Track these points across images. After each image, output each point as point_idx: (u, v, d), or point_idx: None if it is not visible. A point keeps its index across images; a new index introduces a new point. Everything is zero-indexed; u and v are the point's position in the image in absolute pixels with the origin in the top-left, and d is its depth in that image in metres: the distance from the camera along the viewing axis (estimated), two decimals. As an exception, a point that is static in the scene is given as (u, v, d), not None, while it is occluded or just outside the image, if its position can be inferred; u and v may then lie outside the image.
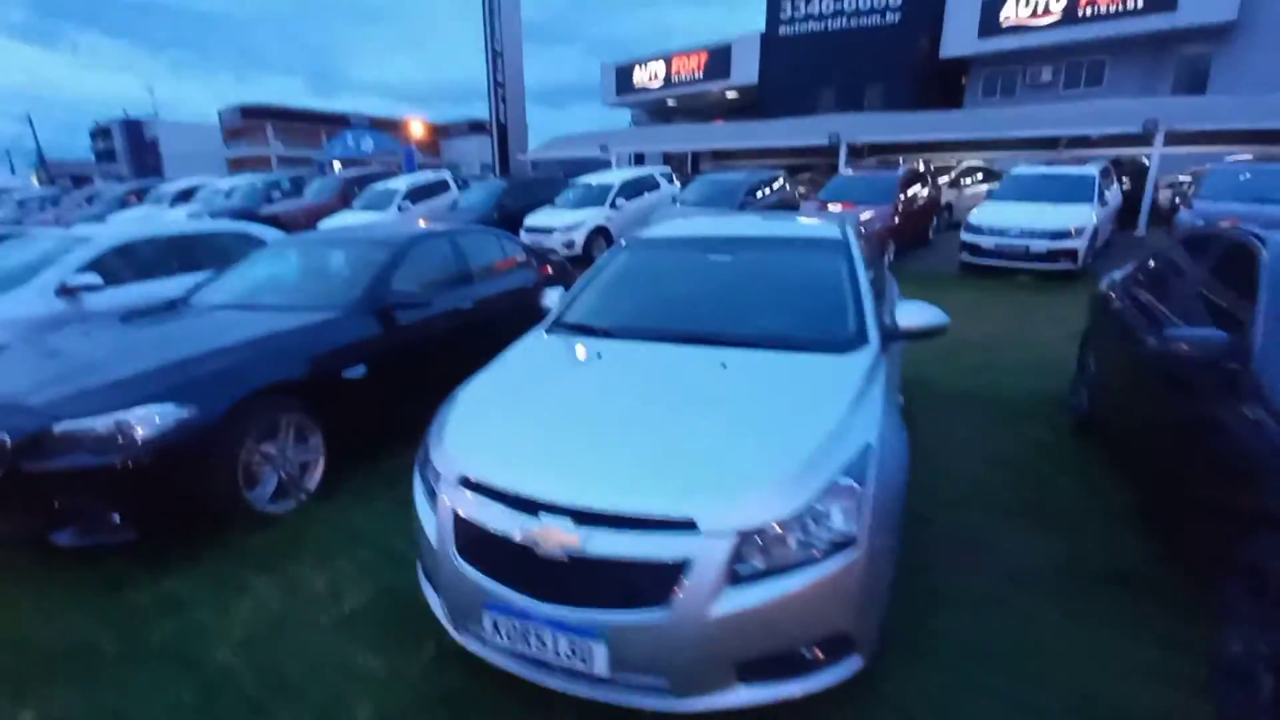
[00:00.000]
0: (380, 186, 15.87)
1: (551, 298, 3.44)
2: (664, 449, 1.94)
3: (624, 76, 30.22)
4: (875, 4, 23.45)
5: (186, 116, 59.82)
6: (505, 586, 1.82)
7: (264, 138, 54.82)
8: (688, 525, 1.69)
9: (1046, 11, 21.27)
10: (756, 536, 1.70)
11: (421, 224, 5.79)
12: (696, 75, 27.49)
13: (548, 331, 3.04)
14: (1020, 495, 3.35)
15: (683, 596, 1.65)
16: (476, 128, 64.27)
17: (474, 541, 1.92)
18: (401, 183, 15.71)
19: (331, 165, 37.80)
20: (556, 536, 1.75)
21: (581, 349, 2.71)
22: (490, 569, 1.88)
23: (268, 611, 2.58)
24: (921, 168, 13.36)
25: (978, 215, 10.23)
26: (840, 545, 1.75)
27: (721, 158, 23.90)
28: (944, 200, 14.47)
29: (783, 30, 24.98)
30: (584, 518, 1.76)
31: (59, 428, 2.69)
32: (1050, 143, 18.40)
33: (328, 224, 14.19)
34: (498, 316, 5.05)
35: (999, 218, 9.99)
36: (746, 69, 26.11)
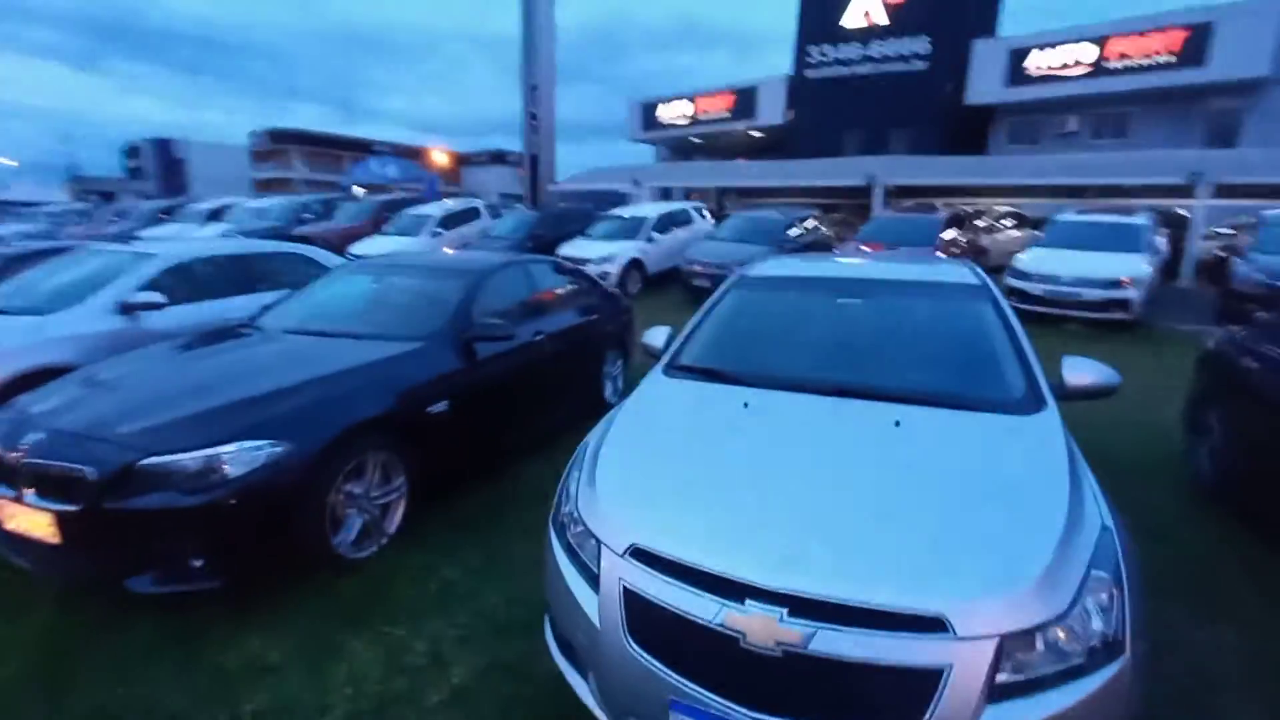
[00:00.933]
0: (413, 212, 15.90)
1: (657, 336, 3.22)
2: (882, 525, 1.68)
3: (650, 113, 30.66)
4: (902, 52, 23.77)
5: (215, 140, 61.04)
6: (699, 686, 1.55)
7: (290, 161, 55.87)
8: (936, 625, 1.43)
9: (1076, 63, 21.48)
10: (1021, 641, 1.43)
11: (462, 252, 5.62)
12: (723, 114, 27.84)
13: (666, 374, 2.81)
14: (1181, 574, 3.04)
15: (936, 714, 1.38)
16: (497, 158, 65.48)
17: (652, 625, 1.66)
18: (434, 209, 15.75)
19: (351, 190, 38.38)
20: (771, 629, 1.49)
21: (724, 398, 2.47)
22: (675, 661, 1.61)
23: (368, 682, 2.30)
24: (962, 211, 13.23)
25: (1026, 261, 10.05)
26: (1105, 651, 1.48)
27: (746, 195, 24.00)
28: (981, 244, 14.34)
29: (809, 74, 25.30)
30: (802, 607, 1.50)
31: (147, 463, 2.46)
32: (1078, 191, 18.38)
33: (361, 248, 14.17)
34: (571, 350, 4.86)
35: (1049, 265, 9.79)
36: (771, 110, 26.42)
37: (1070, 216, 11.22)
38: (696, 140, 30.94)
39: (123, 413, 2.70)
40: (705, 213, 15.74)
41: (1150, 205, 13.77)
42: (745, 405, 2.36)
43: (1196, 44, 19.37)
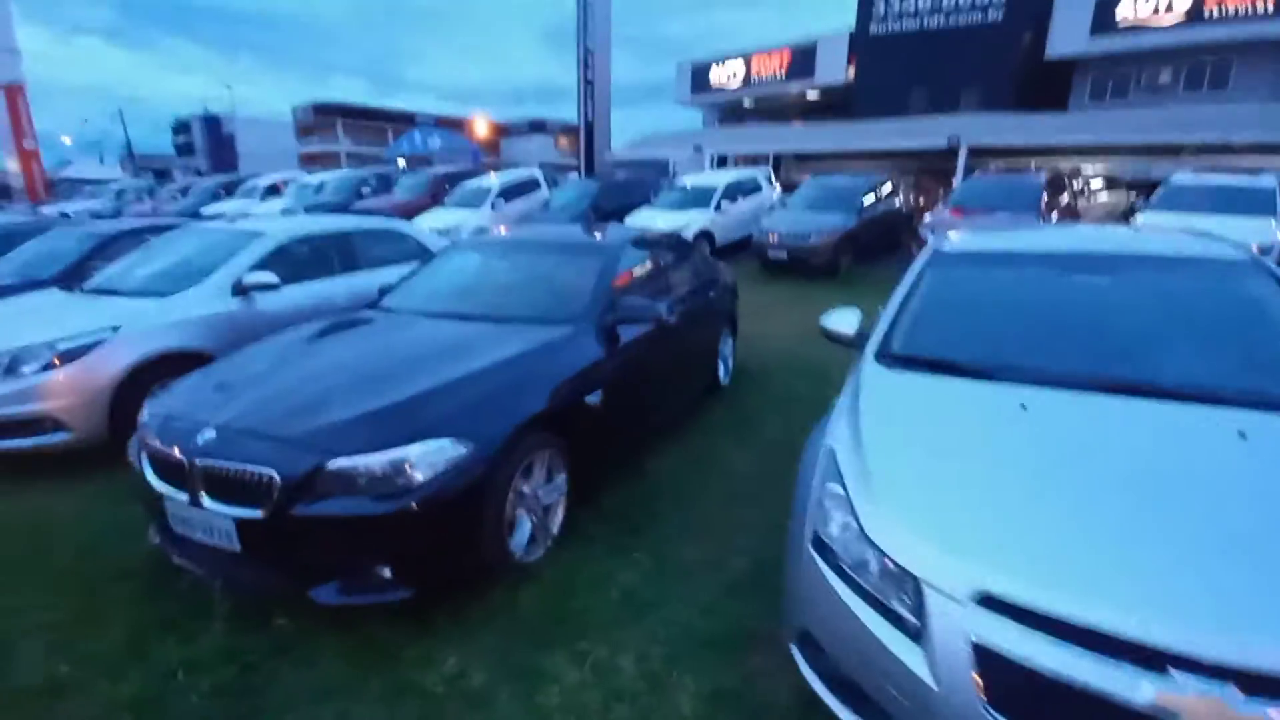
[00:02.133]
0: (473, 184, 15.66)
1: (844, 320, 2.88)
2: None
3: (700, 76, 29.64)
4: (977, 2, 22.25)
5: (257, 115, 61.78)
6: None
7: (334, 135, 56.31)
8: None
9: (1169, 10, 19.79)
10: None
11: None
12: (779, 75, 26.71)
13: (883, 365, 2.45)
14: None
15: None
16: (536, 127, 64.78)
17: (1025, 695, 1.35)
18: (494, 180, 15.46)
19: (397, 162, 38.35)
20: (1221, 712, 1.16)
21: (987, 397, 2.11)
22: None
23: (589, 714, 2.07)
24: (1059, 173, 12.31)
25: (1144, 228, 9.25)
26: None
27: (804, 160, 23.06)
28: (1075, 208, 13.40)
29: (874, 29, 23.98)
30: (1257, 684, 1.17)
31: (335, 465, 2.24)
32: (1172, 150, 17.03)
33: (424, 222, 14.03)
34: (694, 329, 4.54)
35: (1169, 231, 9.00)
36: (832, 69, 25.21)
37: (1186, 179, 10.29)
38: (748, 104, 29.85)
39: (292, 409, 2.49)
40: (773, 180, 15.11)
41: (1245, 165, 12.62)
42: (1022, 407, 2.00)
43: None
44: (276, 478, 2.22)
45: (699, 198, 13.06)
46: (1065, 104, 22.98)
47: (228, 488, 2.30)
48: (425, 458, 2.30)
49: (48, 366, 3.65)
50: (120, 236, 6.21)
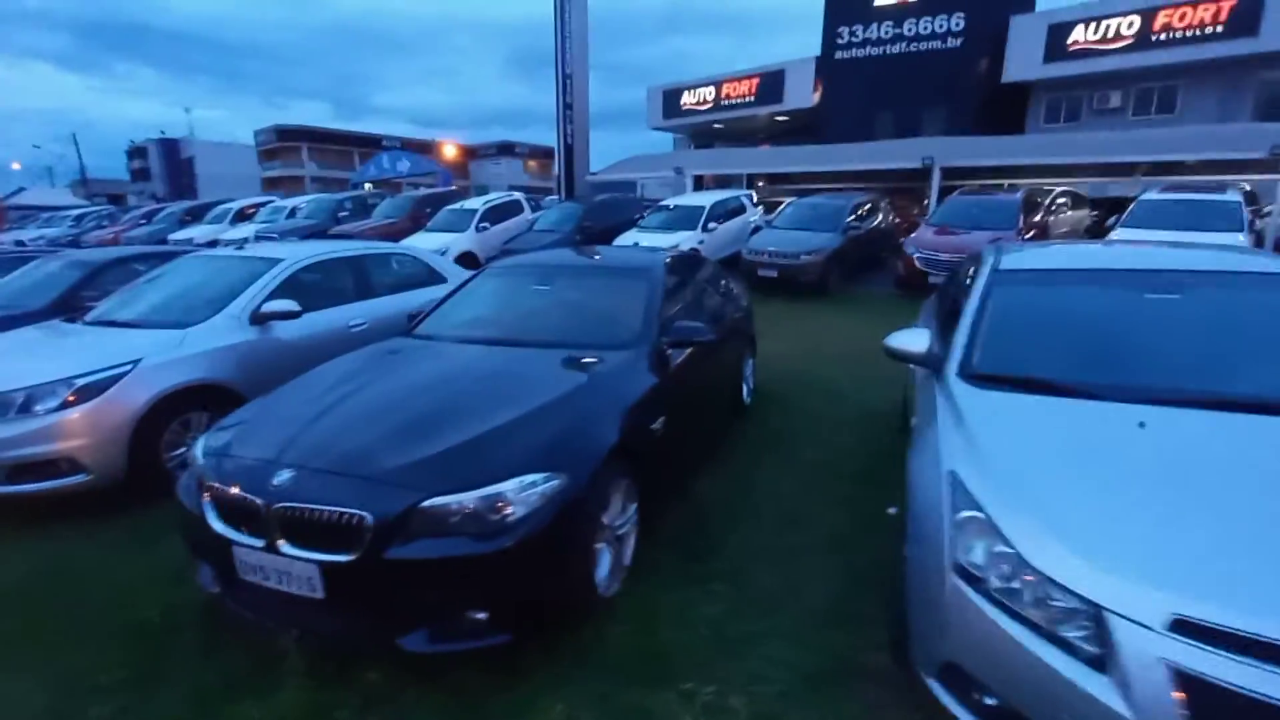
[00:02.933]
0: (455, 207, 15.52)
1: (913, 340, 2.88)
2: None
3: (672, 100, 30.10)
4: (936, 29, 23.20)
5: (217, 139, 60.45)
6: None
7: (298, 159, 55.40)
8: None
9: (1118, 36, 20.90)
10: None
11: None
12: (748, 99, 27.28)
13: (971, 384, 2.46)
14: None
15: None
16: (505, 150, 64.86)
17: (1223, 716, 1.33)
18: (478, 203, 15.35)
19: (363, 186, 37.81)
20: None
21: (1099, 416, 2.13)
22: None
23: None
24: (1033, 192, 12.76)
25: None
26: None
27: (775, 181, 23.50)
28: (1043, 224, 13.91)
29: (839, 55, 24.74)
30: None
31: (429, 504, 2.13)
32: (1126, 169, 17.88)
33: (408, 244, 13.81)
34: (725, 350, 4.53)
35: (1144, 246, 9.39)
36: (799, 93, 25.85)
37: (1155, 195, 10.79)
38: (718, 126, 30.36)
39: (371, 446, 2.36)
40: (754, 200, 15.35)
41: (1208, 181, 13.32)
42: (1141, 425, 2.01)
43: (1247, 12, 18.80)
44: (369, 519, 2.09)
45: (686, 218, 13.17)
46: (1023, 126, 23.97)
47: (311, 532, 2.16)
48: (521, 494, 2.20)
49: (65, 404, 3.42)
50: (110, 265, 5.95)
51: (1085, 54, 21.43)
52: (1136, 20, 20.47)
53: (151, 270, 6.16)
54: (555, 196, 19.00)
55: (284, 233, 16.43)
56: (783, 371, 6.43)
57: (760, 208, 15.31)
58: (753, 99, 27.20)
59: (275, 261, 4.65)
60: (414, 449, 2.33)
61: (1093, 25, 21.08)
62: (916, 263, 10.49)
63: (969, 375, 2.52)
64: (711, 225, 13.13)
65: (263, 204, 20.15)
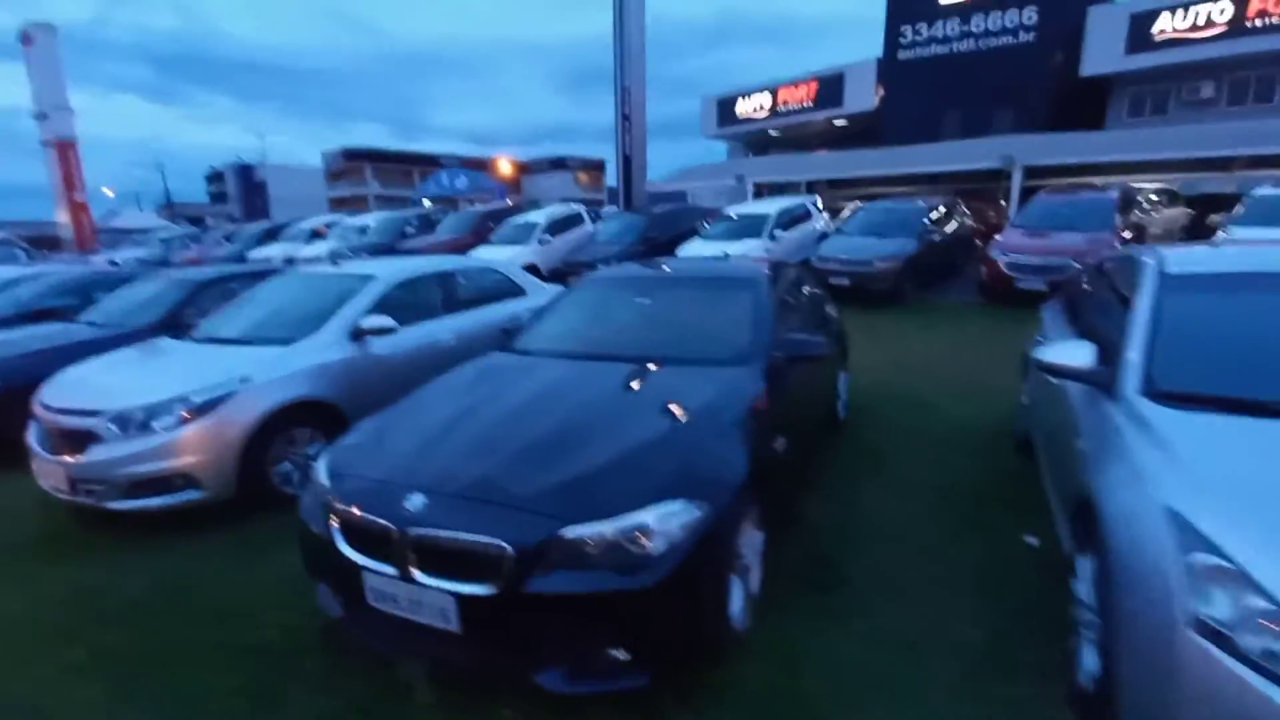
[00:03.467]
0: (518, 220, 15.72)
1: (1075, 353, 2.60)
2: None
3: (726, 108, 29.94)
4: (1007, 24, 22.29)
5: (285, 162, 63.57)
6: None
7: (362, 178, 57.78)
8: None
9: (1209, 23, 19.59)
10: None
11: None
12: (805, 104, 26.85)
13: (1165, 405, 2.15)
14: None
15: None
16: (557, 165, 65.99)
17: None
18: (540, 216, 15.51)
19: (423, 203, 39.01)
20: None
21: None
22: None
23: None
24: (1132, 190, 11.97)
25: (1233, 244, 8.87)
26: None
27: (836, 186, 22.96)
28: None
29: (902, 55, 24.07)
30: None
31: (568, 533, 2.00)
32: (1221, 164, 16.64)
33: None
34: (823, 364, 4.28)
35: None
36: (861, 96, 25.27)
37: (1271, 191, 9.92)
38: (773, 133, 30.00)
39: (500, 470, 2.25)
40: (820, 207, 14.97)
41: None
42: None
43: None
44: (509, 549, 1.97)
45: (751, 227, 12.92)
46: (1102, 122, 22.73)
47: (446, 560, 2.05)
48: (663, 523, 2.04)
49: (181, 421, 3.48)
50: (209, 284, 6.15)
51: (1173, 44, 20.17)
52: (1229, 7, 19.16)
53: (247, 288, 6.38)
54: (614, 208, 19.04)
55: (354, 250, 16.99)
56: (868, 384, 6.10)
57: (825, 214, 14.91)
58: (811, 104, 26.76)
59: (370, 278, 4.69)
60: (545, 473, 2.20)
61: (1180, 13, 19.84)
62: (1003, 267, 9.92)
63: (1156, 394, 2.22)
64: (778, 233, 12.85)
65: (332, 223, 20.96)
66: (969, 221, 13.46)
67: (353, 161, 58.43)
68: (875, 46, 24.42)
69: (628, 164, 18.55)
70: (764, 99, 28.32)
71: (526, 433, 2.48)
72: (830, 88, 26.05)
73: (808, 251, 13.94)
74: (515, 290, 5.97)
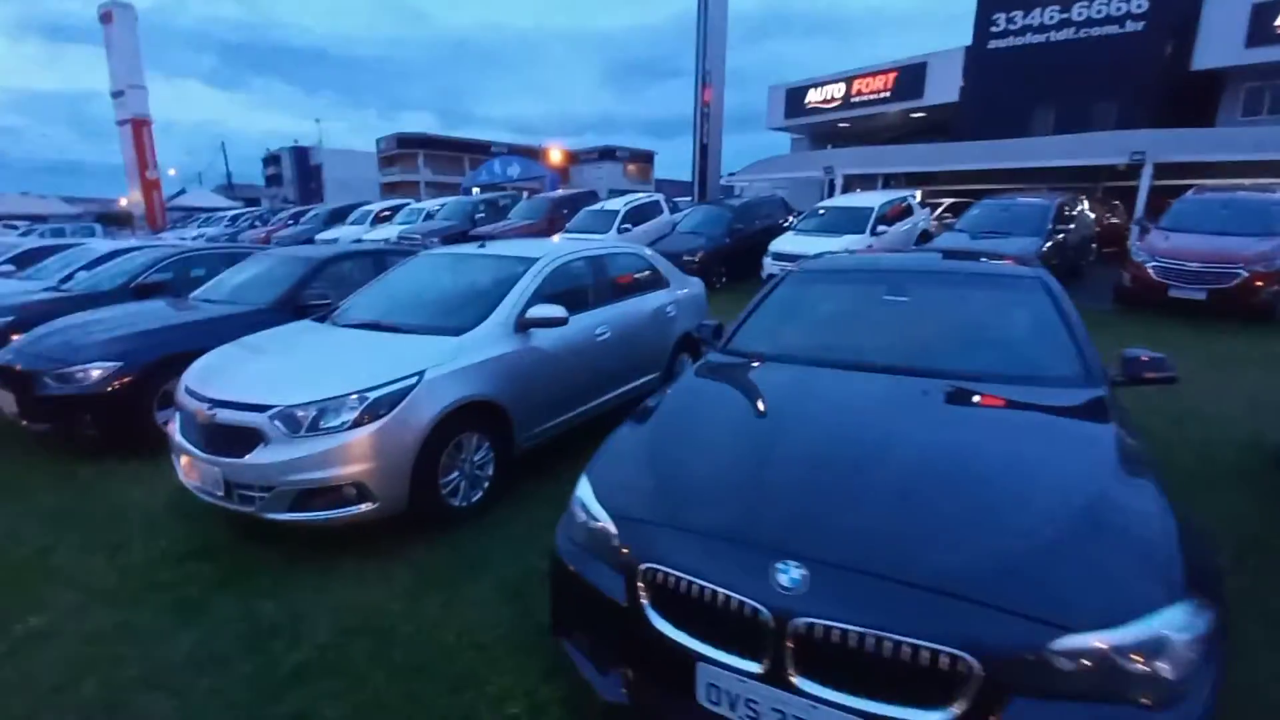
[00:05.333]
0: (595, 208, 15.18)
1: None
2: None
3: (795, 99, 28.84)
4: (1113, 12, 20.75)
5: (338, 147, 64.50)
6: None
7: (414, 165, 58.17)
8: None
9: (1346, 13, 17.84)
10: None
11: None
12: (882, 94, 25.62)
13: None
14: None
15: None
16: (606, 154, 65.50)
17: None
18: (619, 204, 14.92)
19: (472, 190, 38.78)
20: None
21: None
22: None
23: None
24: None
25: None
26: None
27: (916, 182, 21.77)
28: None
29: (992, 44, 22.70)
30: None
31: (1062, 645, 1.34)
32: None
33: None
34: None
35: None
36: (944, 87, 23.95)
37: None
38: (843, 125, 28.78)
39: (898, 536, 1.61)
40: (919, 201, 14.03)
41: None
42: None
43: None
44: (975, 664, 1.33)
45: (851, 221, 12.10)
46: (1213, 119, 21.05)
47: (849, 668, 1.43)
48: (1181, 634, 1.38)
49: (358, 422, 2.94)
50: (328, 262, 5.69)
51: (1301, 35, 18.43)
52: (1373, -8, 17.40)
53: (366, 268, 5.90)
54: (690, 198, 18.37)
55: (425, 234, 16.67)
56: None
57: (926, 209, 13.97)
58: (888, 94, 25.50)
59: (531, 261, 4.11)
60: (976, 547, 1.55)
61: (1314, 1, 18.09)
62: (1152, 273, 8.92)
63: None
64: (881, 229, 12.01)
65: (399, 206, 20.74)
66: (1091, 221, 12.38)
67: (406, 148, 58.81)
68: (929, 40, 23.12)
69: (704, 153, 17.85)
70: (837, 89, 27.13)
71: (891, 476, 1.83)
72: (911, 78, 24.75)
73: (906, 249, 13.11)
74: (659, 280, 5.36)
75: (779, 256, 11.68)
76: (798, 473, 1.89)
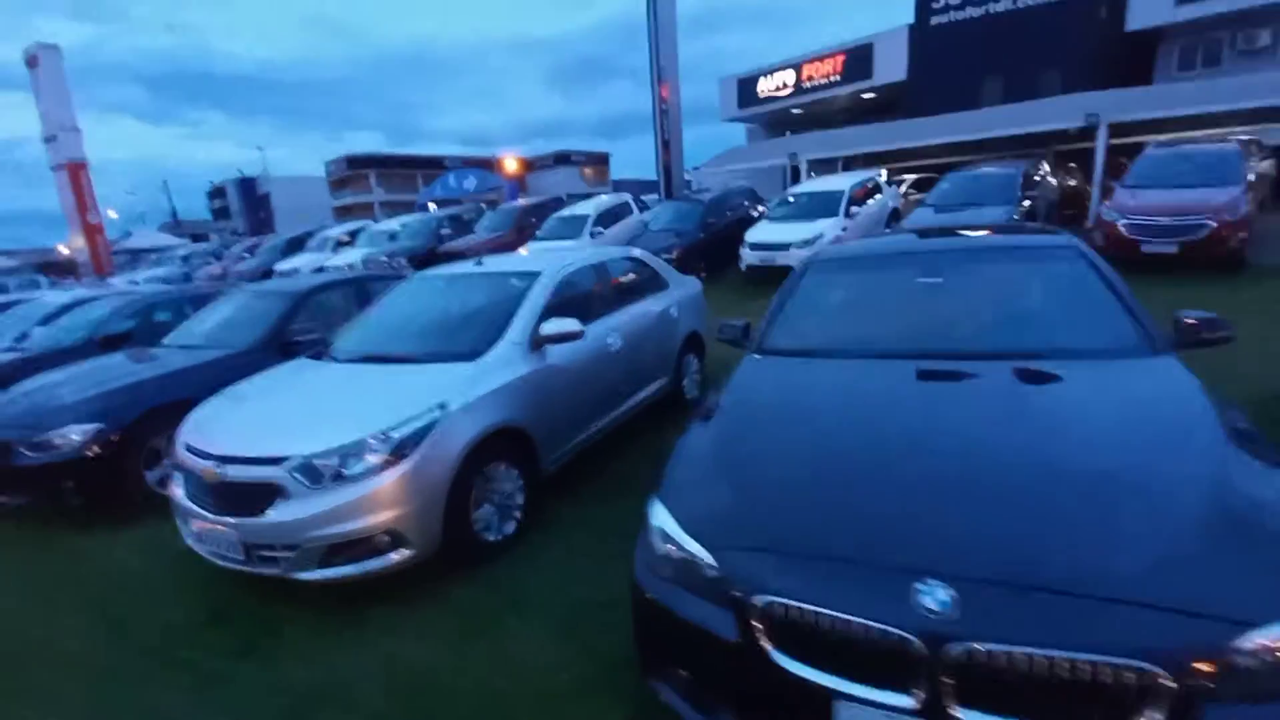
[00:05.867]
0: (563, 215, 14.97)
1: None
2: None
3: (747, 88, 28.98)
4: (1047, -20, 21.30)
5: (285, 174, 62.83)
6: None
7: (366, 186, 56.97)
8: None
9: (1267, -35, 18.58)
10: None
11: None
12: (833, 78, 25.89)
13: None
14: None
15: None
16: (561, 159, 65.09)
17: None
18: (588, 208, 14.73)
19: (428, 206, 38.05)
20: None
21: None
22: None
23: None
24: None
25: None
26: None
27: (874, 161, 22.03)
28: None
29: (935, 20, 23.13)
30: None
31: (1253, 641, 1.24)
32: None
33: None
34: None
35: None
36: (891, 66, 24.32)
37: None
38: (796, 111, 29.02)
39: (1042, 539, 1.48)
40: (886, 180, 14.15)
41: None
42: None
43: None
44: (1163, 676, 1.21)
45: (823, 205, 12.12)
46: (1149, 78, 21.77)
47: (1019, 692, 1.30)
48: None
49: (385, 464, 2.73)
50: (309, 295, 5.40)
51: (1227, -11, 19.15)
52: (1290, -56, 18.15)
53: (351, 298, 5.63)
54: (655, 195, 18.26)
55: (390, 255, 16.24)
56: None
57: (894, 187, 14.10)
58: (839, 78, 25.77)
59: (534, 275, 3.92)
60: (1124, 544, 1.43)
61: (1235, -44, 18.81)
62: (1124, 231, 9.10)
63: None
64: (854, 210, 12.06)
65: (357, 230, 20.19)
66: (1055, 185, 12.63)
67: (357, 169, 57.56)
68: (864, 24, 23.49)
69: (666, 149, 17.75)
70: (788, 76, 27.33)
71: (1006, 475, 1.71)
72: (859, 59, 25.07)
73: (880, 227, 13.21)
74: (659, 282, 5.22)
75: (756, 246, 11.64)
76: (905, 480, 1.76)
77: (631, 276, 4.94)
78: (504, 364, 3.37)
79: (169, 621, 2.98)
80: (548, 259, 4.27)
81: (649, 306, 4.87)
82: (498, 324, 3.57)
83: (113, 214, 58.58)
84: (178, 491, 3.08)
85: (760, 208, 14.61)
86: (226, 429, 3.03)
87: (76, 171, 24.05)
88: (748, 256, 11.65)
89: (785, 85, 27.62)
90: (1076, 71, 21.30)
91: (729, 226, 13.38)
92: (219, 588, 3.17)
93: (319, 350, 3.92)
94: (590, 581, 2.96)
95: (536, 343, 3.58)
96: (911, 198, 15.18)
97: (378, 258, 16.18)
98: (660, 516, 1.91)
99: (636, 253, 5.22)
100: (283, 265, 18.68)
